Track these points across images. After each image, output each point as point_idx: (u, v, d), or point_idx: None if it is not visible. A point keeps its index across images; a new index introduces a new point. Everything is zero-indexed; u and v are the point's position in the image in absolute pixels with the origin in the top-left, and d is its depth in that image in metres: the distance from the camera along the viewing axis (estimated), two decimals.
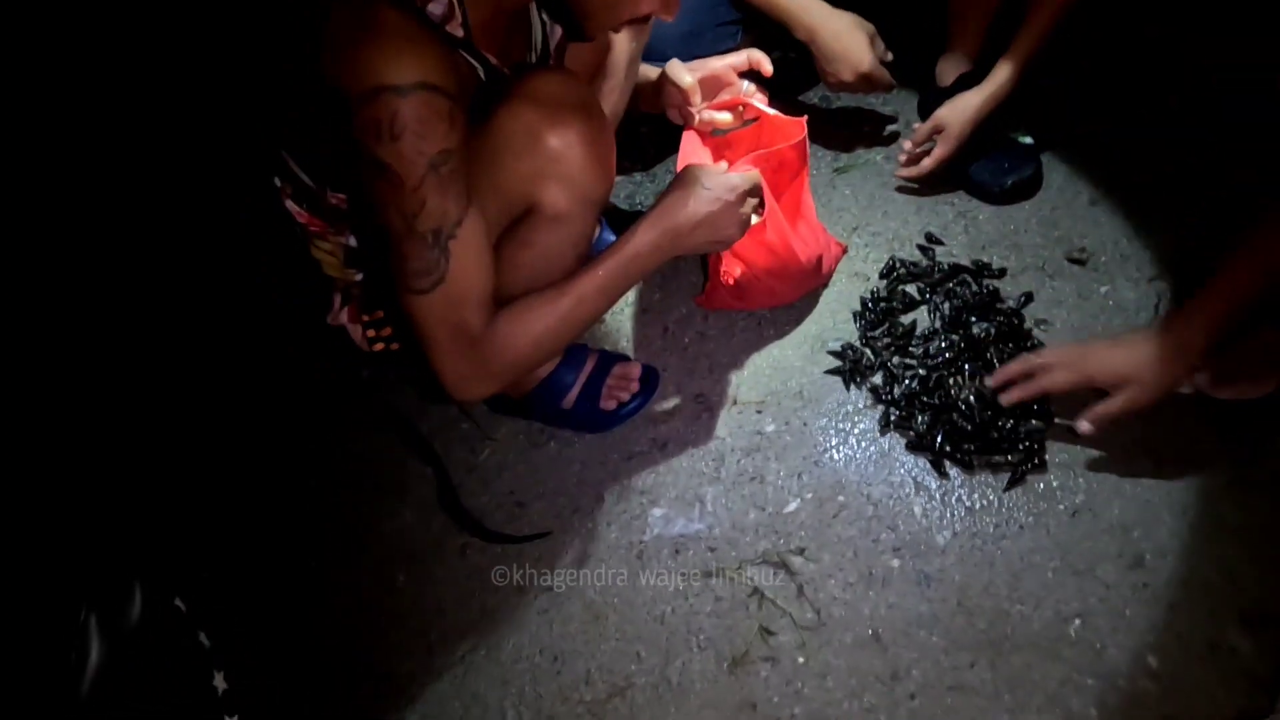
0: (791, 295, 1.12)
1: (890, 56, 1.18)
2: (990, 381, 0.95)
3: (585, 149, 0.79)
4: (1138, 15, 1.30)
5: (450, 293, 0.74)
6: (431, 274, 0.73)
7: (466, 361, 0.79)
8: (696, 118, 1.00)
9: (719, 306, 1.15)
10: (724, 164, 0.90)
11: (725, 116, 1.01)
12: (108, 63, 1.34)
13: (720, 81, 1.00)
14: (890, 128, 1.31)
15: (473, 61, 0.77)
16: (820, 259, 1.10)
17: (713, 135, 1.05)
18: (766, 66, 0.98)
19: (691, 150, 1.02)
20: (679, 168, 1.00)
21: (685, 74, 0.98)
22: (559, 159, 0.79)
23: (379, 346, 0.98)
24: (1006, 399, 0.92)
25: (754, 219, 0.92)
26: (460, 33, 0.73)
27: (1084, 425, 0.87)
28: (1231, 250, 0.78)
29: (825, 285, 1.15)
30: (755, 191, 0.88)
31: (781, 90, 1.00)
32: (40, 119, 1.30)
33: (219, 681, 0.61)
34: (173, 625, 0.59)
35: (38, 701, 0.51)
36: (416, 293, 0.74)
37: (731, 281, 1.06)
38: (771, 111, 1.01)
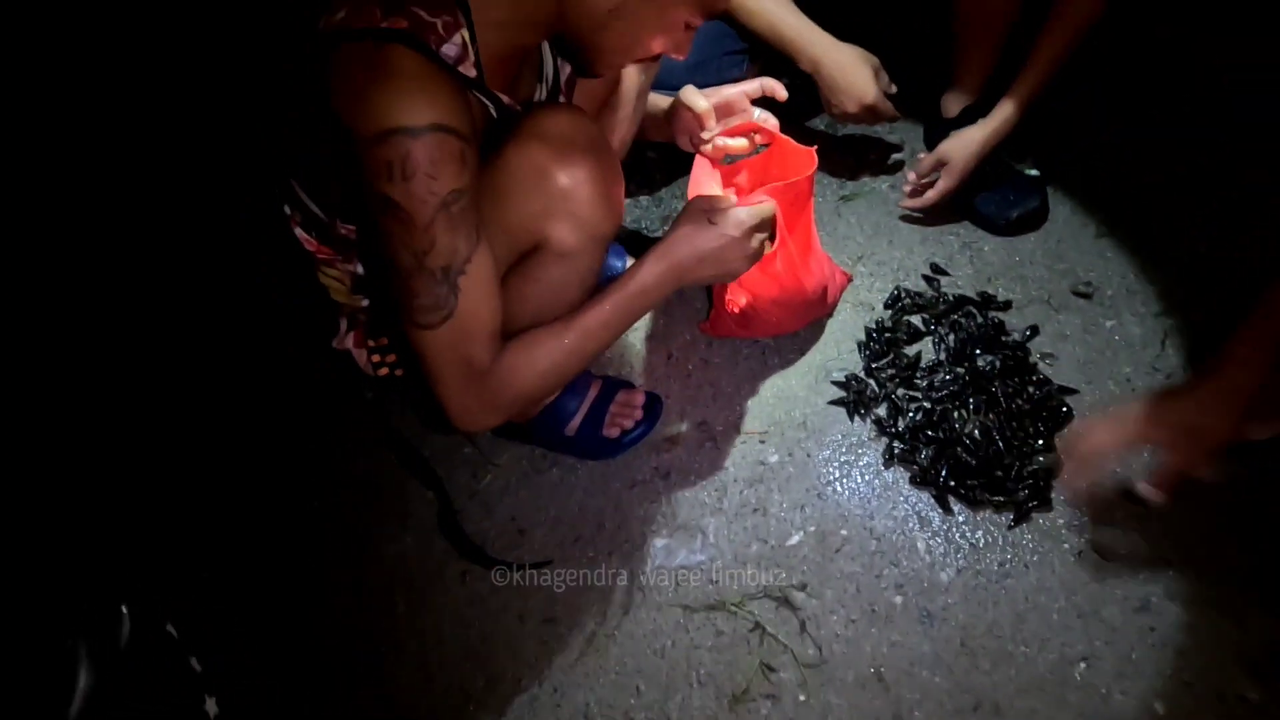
0: (796, 324, 1.12)
1: (894, 89, 1.19)
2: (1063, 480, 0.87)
3: (594, 188, 0.80)
4: (1149, 16, 1.30)
5: (458, 328, 0.75)
6: (440, 310, 0.73)
7: (472, 395, 0.79)
8: (710, 144, 1.00)
9: (723, 334, 1.15)
10: (733, 197, 0.89)
11: (739, 142, 1.01)
12: (122, 87, 1.35)
13: (732, 108, 1.00)
14: (896, 156, 1.31)
15: (485, 100, 0.77)
16: (825, 289, 1.10)
17: (724, 163, 1.05)
18: (781, 92, 0.98)
19: (702, 176, 1.02)
20: (690, 194, 1.00)
21: (700, 99, 0.99)
22: (568, 197, 0.79)
23: (383, 371, 0.98)
24: (1071, 490, 0.89)
25: (767, 247, 0.91)
26: (473, 73, 0.74)
27: (1151, 491, 0.79)
28: (1273, 284, 0.74)
29: (830, 314, 1.14)
30: (764, 225, 0.88)
31: (788, 116, 1.00)
32: (50, 140, 1.32)
33: (210, 706, 0.61)
34: (163, 650, 0.59)
35: None
36: (424, 327, 0.74)
37: (737, 310, 1.06)
38: (783, 137, 1.01)
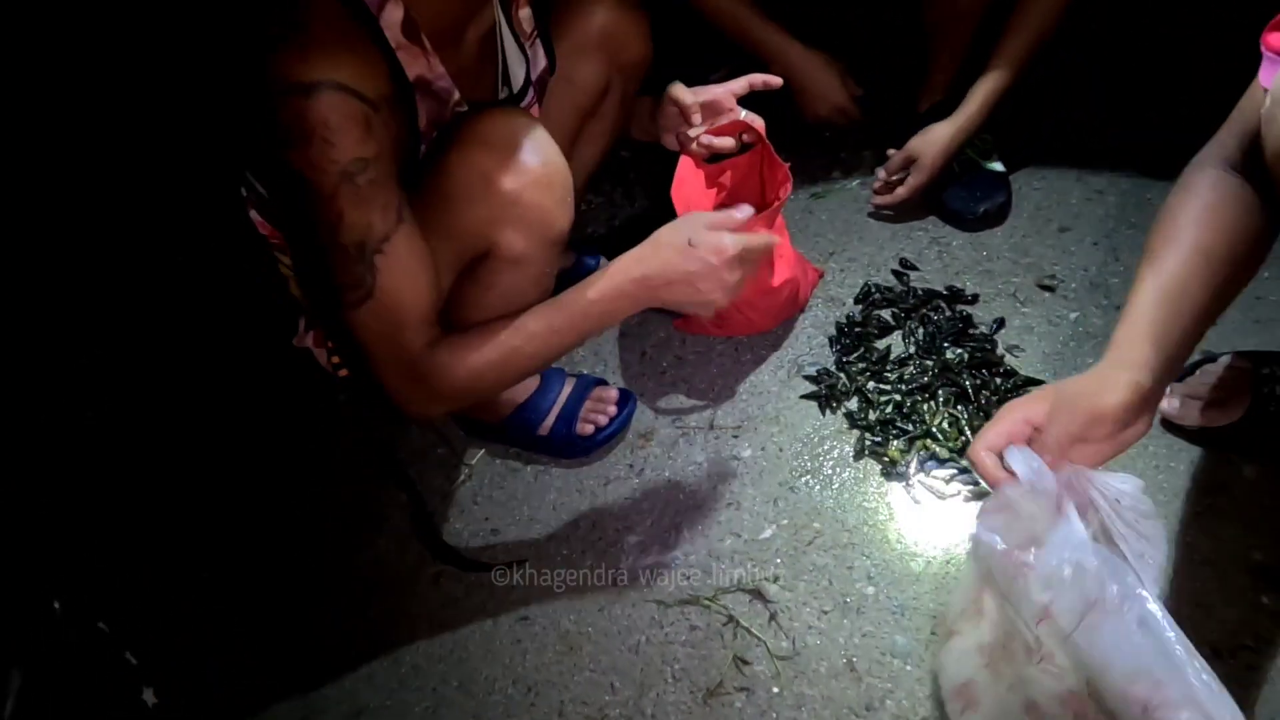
0: (770, 323, 1.13)
1: (860, 91, 1.26)
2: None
3: (540, 191, 0.78)
4: (1150, 15, 1.33)
5: (380, 309, 0.71)
6: (358, 289, 0.70)
7: (407, 381, 0.76)
8: (694, 142, 1.00)
9: (697, 332, 1.15)
10: (728, 214, 0.79)
11: (725, 141, 1.00)
12: (77, 70, 1.33)
13: (719, 107, 0.99)
14: (866, 154, 1.33)
15: (423, 89, 0.74)
16: (798, 288, 1.11)
17: (707, 162, 1.05)
18: (775, 80, 0.98)
19: (686, 175, 1.02)
20: (673, 193, 1.00)
21: (688, 94, 0.98)
22: (514, 203, 0.77)
23: (344, 372, 0.97)
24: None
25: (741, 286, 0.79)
26: (397, 31, 0.70)
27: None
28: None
29: (802, 311, 1.15)
30: (749, 256, 0.77)
31: (764, 110, 1.01)
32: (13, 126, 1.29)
33: (148, 696, 0.60)
34: (96, 645, 0.58)
35: None
36: (345, 306, 0.72)
37: None
38: (767, 141, 1.01)
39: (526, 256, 0.81)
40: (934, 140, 1.13)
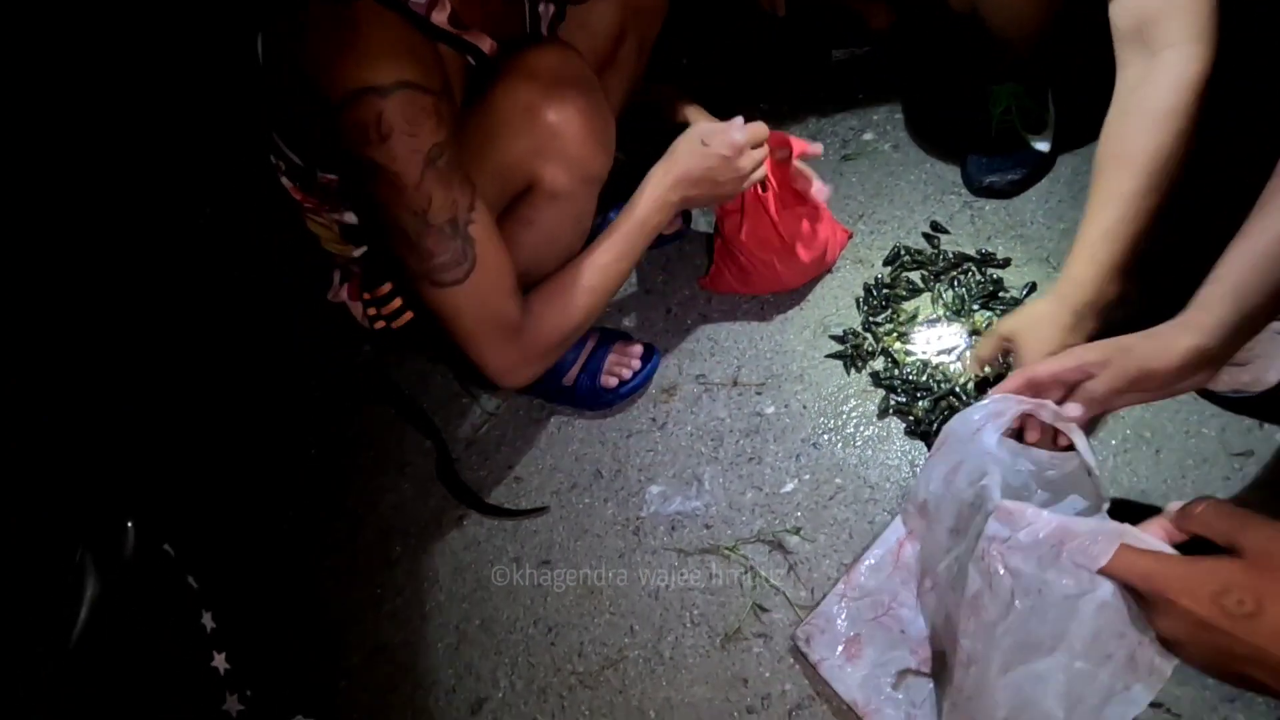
0: (796, 281, 1.12)
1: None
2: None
3: (584, 124, 0.79)
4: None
5: (484, 280, 0.75)
6: (462, 264, 0.73)
7: (513, 349, 0.80)
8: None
9: (723, 289, 1.15)
10: (736, 120, 0.90)
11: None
12: (97, 39, 1.34)
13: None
14: (899, 116, 1.31)
15: (462, 51, 0.76)
16: (826, 246, 1.10)
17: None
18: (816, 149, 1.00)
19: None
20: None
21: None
22: (557, 135, 0.78)
23: (380, 325, 0.98)
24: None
25: (757, 173, 0.91)
26: (446, 24, 0.73)
27: (1071, 409, 0.68)
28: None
29: (829, 270, 1.15)
30: (755, 144, 0.89)
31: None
32: (41, 95, 1.31)
33: (207, 620, 0.62)
34: (162, 567, 0.60)
35: (35, 632, 0.52)
36: (449, 285, 0.74)
37: (737, 264, 1.06)
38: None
39: (568, 192, 0.82)
40: (1042, 328, 0.77)
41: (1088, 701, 0.56)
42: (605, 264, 0.86)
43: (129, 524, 0.58)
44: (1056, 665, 0.55)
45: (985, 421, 0.68)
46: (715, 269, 1.12)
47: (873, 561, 0.85)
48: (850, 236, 1.17)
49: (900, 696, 0.76)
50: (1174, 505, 0.53)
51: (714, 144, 0.87)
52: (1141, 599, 0.51)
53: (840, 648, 0.80)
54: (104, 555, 0.56)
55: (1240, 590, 0.45)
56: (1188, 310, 0.62)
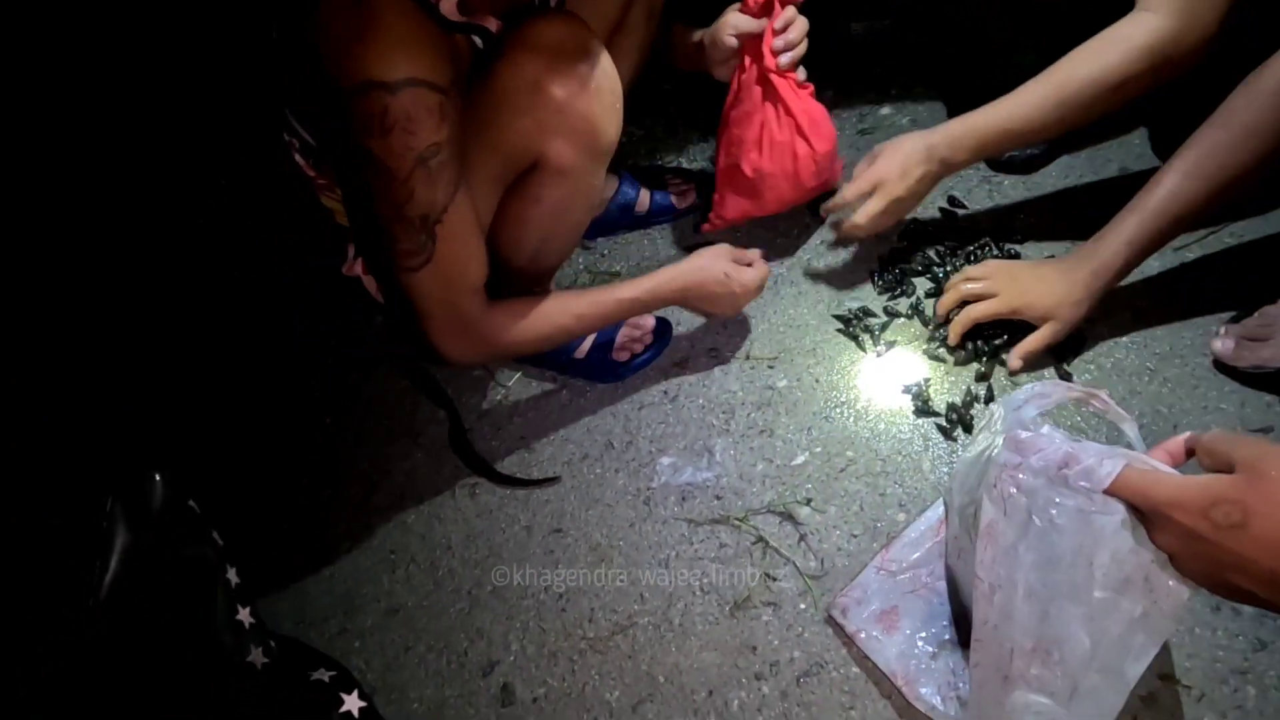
0: (810, 181, 1.05)
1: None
2: (938, 312, 1.00)
3: (590, 99, 0.77)
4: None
5: (438, 273, 0.76)
6: (419, 255, 0.74)
7: (462, 340, 0.81)
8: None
9: (731, 216, 1.10)
10: (755, 252, 0.99)
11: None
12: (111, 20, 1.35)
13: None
14: (917, 89, 1.29)
15: (470, 36, 0.76)
16: (833, 143, 1.05)
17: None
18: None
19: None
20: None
21: (753, 24, 0.98)
22: (563, 111, 0.77)
23: None
24: (951, 338, 0.98)
25: (747, 302, 1.01)
26: (456, 14, 0.72)
27: (1014, 362, 0.94)
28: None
29: (837, 188, 1.09)
30: (761, 287, 1.00)
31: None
32: (55, 76, 1.33)
33: (232, 575, 0.64)
34: (189, 521, 0.61)
35: (66, 581, 0.53)
36: (406, 270, 0.75)
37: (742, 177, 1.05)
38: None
39: (575, 168, 0.81)
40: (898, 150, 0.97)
41: (1111, 632, 0.55)
42: (580, 313, 0.88)
43: (156, 476, 0.59)
44: (1078, 593, 0.55)
45: (1027, 401, 0.65)
46: (719, 197, 1.09)
47: (914, 536, 0.84)
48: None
49: (938, 666, 0.75)
50: (1183, 435, 0.56)
51: (733, 280, 0.94)
52: (1142, 516, 0.53)
53: (878, 619, 0.79)
54: (133, 506, 0.57)
55: (1228, 503, 0.47)
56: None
